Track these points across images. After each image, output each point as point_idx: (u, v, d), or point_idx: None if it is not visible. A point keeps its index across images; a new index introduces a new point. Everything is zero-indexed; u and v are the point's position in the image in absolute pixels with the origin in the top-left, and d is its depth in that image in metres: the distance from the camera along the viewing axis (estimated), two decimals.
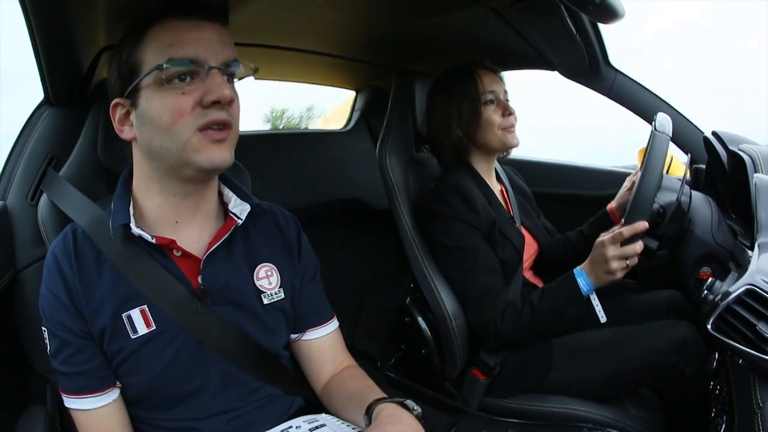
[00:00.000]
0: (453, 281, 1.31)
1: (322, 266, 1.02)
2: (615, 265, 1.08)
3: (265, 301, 0.89)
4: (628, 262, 1.08)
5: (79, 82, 1.03)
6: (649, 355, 1.17)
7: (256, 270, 0.89)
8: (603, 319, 1.14)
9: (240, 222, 0.87)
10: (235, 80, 0.81)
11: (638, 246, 1.06)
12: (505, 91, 1.35)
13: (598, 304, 1.15)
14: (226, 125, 0.77)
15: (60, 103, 1.06)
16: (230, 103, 0.77)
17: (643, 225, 1.05)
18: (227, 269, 0.86)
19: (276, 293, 0.90)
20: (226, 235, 0.85)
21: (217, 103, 0.75)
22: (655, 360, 1.16)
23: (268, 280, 0.90)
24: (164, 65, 0.73)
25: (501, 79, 1.37)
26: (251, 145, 1.79)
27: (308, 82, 1.98)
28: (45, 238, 0.95)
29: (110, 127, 0.96)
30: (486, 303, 1.24)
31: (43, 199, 0.98)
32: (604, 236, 1.10)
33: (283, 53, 1.44)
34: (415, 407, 0.78)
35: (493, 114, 1.31)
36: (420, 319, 1.40)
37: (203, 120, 0.75)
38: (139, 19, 0.78)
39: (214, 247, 0.84)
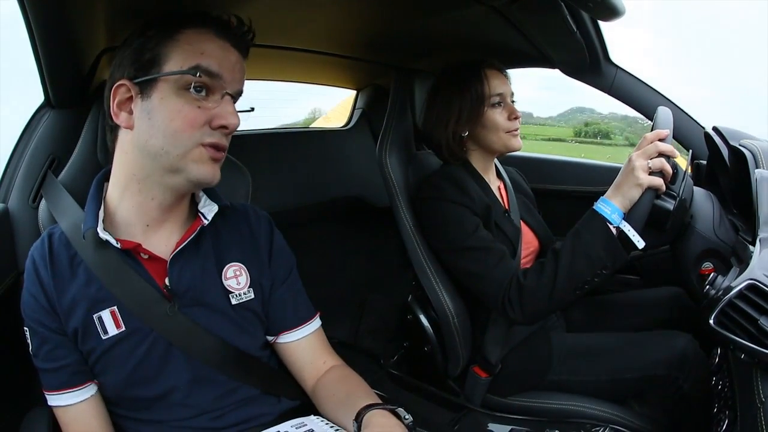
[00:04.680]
0: (454, 253, 1.24)
1: (323, 264, 1.02)
2: (637, 163, 1.03)
3: (234, 302, 0.89)
4: (650, 163, 1.02)
5: (80, 84, 1.03)
6: (648, 367, 1.17)
7: (224, 270, 0.89)
8: (640, 243, 1.04)
9: (206, 223, 0.87)
10: None
11: (662, 146, 1.03)
12: (512, 93, 1.34)
13: (631, 228, 1.04)
14: (223, 150, 0.81)
15: (61, 105, 1.06)
16: (234, 130, 0.81)
17: (665, 132, 1.04)
18: (194, 270, 0.86)
19: (245, 293, 0.90)
20: (192, 236, 0.86)
21: (223, 128, 0.79)
22: (654, 373, 1.16)
23: (236, 279, 0.90)
24: (194, 72, 0.76)
25: (508, 79, 1.35)
26: (251, 144, 1.79)
27: (309, 82, 1.98)
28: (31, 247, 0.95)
29: None
30: (498, 266, 1.18)
31: (44, 201, 0.98)
32: None
33: (284, 53, 1.44)
34: (406, 416, 0.78)
35: (498, 116, 1.29)
36: (422, 317, 1.40)
37: (208, 139, 0.78)
38: (174, 14, 0.80)
39: (179, 249, 0.85)
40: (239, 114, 0.82)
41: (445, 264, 1.31)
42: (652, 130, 1.09)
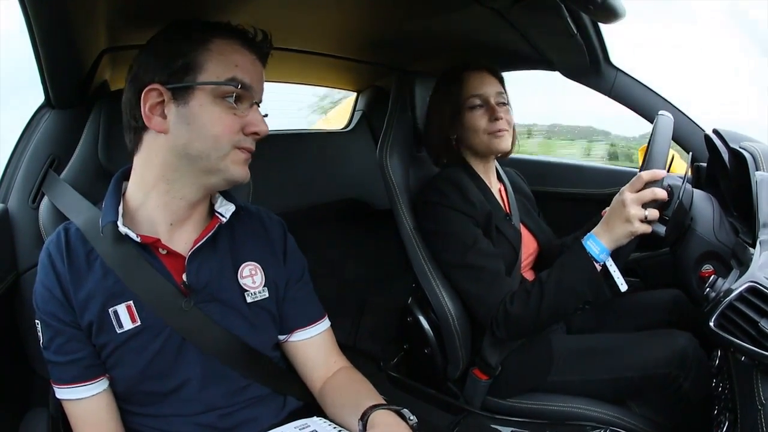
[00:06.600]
0: (452, 266, 1.27)
1: (323, 266, 1.02)
2: (633, 210, 1.01)
3: (249, 300, 0.90)
4: (647, 213, 1.01)
5: (80, 84, 1.03)
6: (648, 365, 1.17)
7: (240, 268, 0.91)
8: (623, 287, 1.07)
9: (224, 220, 0.89)
10: None
11: (659, 192, 1.01)
12: (499, 93, 1.31)
13: (617, 270, 1.07)
14: (252, 154, 0.86)
15: (61, 105, 1.06)
16: (263, 136, 0.86)
17: (661, 173, 1.02)
18: (211, 267, 0.88)
19: (260, 292, 0.92)
20: (210, 233, 0.87)
21: (255, 135, 0.84)
22: (655, 372, 1.16)
23: (251, 278, 0.92)
24: (232, 83, 0.80)
25: (498, 80, 1.34)
26: None
27: (309, 84, 1.98)
28: (46, 241, 0.95)
29: (111, 130, 0.97)
30: (490, 283, 1.20)
31: (44, 202, 0.99)
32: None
33: (284, 54, 1.44)
34: (411, 417, 0.79)
35: (478, 119, 1.29)
36: (422, 319, 1.40)
37: (241, 144, 0.83)
38: (203, 23, 0.84)
39: (198, 245, 0.86)
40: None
41: (443, 271, 1.32)
42: (651, 136, 1.09)
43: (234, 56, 0.82)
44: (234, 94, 0.81)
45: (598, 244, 1.07)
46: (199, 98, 0.80)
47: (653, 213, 1.02)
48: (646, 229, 1.03)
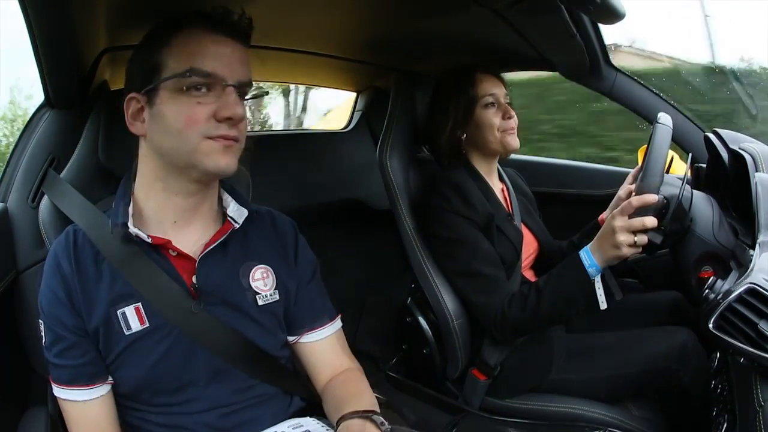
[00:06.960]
0: (454, 273, 1.29)
1: (322, 267, 1.02)
2: (622, 238, 1.03)
3: (260, 302, 0.90)
4: (636, 239, 1.03)
5: (80, 84, 1.03)
6: (649, 360, 1.17)
7: (251, 272, 0.91)
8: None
9: (237, 226, 0.89)
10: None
11: (647, 220, 1.01)
12: (506, 94, 1.35)
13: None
14: (234, 140, 0.82)
15: (61, 105, 1.06)
16: (240, 120, 0.81)
17: (652, 198, 1.02)
18: (221, 270, 0.88)
19: (270, 295, 0.91)
20: (222, 238, 0.87)
21: (229, 120, 0.80)
22: (655, 366, 1.16)
23: (263, 281, 0.91)
24: (186, 74, 0.77)
25: (503, 81, 1.37)
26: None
27: (309, 84, 1.98)
28: (46, 240, 0.95)
29: (111, 129, 0.97)
30: (490, 291, 1.22)
31: (44, 201, 0.98)
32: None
33: (283, 54, 1.44)
34: (384, 423, 0.79)
35: (493, 117, 1.31)
36: (421, 319, 1.40)
37: (215, 132, 0.79)
38: (168, 21, 0.82)
39: (209, 249, 0.86)
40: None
41: (444, 273, 1.32)
42: (649, 144, 1.09)
43: (193, 45, 0.79)
44: (201, 85, 0.78)
45: (590, 257, 1.10)
46: (162, 96, 0.79)
47: (642, 239, 1.03)
48: (636, 251, 1.04)
